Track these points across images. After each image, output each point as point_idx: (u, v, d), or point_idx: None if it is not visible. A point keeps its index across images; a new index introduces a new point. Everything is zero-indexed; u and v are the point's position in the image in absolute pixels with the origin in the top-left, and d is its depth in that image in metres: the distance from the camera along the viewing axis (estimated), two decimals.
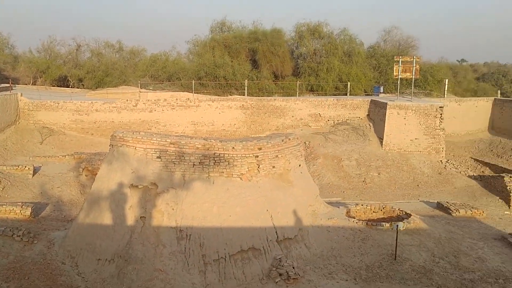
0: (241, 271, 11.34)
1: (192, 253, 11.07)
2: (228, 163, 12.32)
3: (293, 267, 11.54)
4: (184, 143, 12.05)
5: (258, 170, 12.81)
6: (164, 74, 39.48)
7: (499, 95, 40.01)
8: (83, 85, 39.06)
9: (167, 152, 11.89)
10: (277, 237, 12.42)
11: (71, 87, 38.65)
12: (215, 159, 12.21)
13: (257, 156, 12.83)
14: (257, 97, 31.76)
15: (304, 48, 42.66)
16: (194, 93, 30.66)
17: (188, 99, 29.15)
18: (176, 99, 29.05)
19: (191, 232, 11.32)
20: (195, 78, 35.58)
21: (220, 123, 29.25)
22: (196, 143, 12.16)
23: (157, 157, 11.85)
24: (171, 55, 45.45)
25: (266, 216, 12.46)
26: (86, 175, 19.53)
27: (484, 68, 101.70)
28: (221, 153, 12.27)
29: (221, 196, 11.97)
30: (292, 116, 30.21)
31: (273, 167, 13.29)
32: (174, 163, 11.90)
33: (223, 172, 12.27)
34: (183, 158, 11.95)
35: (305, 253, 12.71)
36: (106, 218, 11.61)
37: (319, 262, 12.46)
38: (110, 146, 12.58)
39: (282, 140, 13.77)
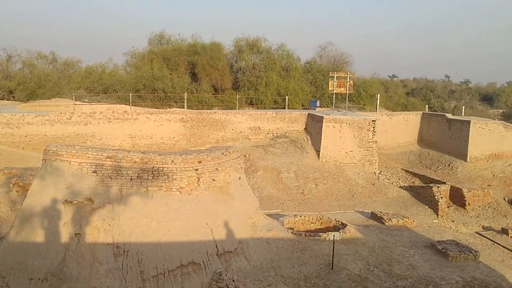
0: (181, 286, 11.19)
1: (130, 270, 10.80)
2: (167, 177, 12.18)
3: (233, 280, 11.54)
4: (122, 157, 11.80)
5: (198, 184, 12.77)
6: (100, 86, 38.46)
7: (427, 109, 42.39)
8: (13, 97, 37.22)
9: (104, 167, 11.58)
10: (217, 250, 12.39)
11: (0, 99, 36.69)
12: (153, 173, 12.04)
13: (197, 170, 12.79)
14: (197, 110, 31.66)
15: (243, 62, 43.17)
16: (132, 105, 30.07)
17: (126, 111, 28.54)
18: (113, 111, 28.34)
19: (128, 248, 11.04)
20: (133, 90, 34.93)
21: (159, 136, 28.84)
22: (134, 156, 11.94)
23: (93, 172, 11.51)
24: (108, 67, 44.44)
25: (206, 229, 12.41)
26: (17, 191, 18.53)
27: (413, 84, 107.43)
28: (160, 167, 12.12)
29: (160, 210, 11.80)
30: (232, 129, 30.37)
31: (213, 180, 13.30)
32: (111, 178, 11.60)
33: (162, 186, 12.11)
34: (120, 172, 11.68)
35: (245, 265, 12.77)
36: (39, 236, 11.08)
37: (259, 274, 12.56)
38: (43, 160, 12.05)
39: (222, 153, 13.83)
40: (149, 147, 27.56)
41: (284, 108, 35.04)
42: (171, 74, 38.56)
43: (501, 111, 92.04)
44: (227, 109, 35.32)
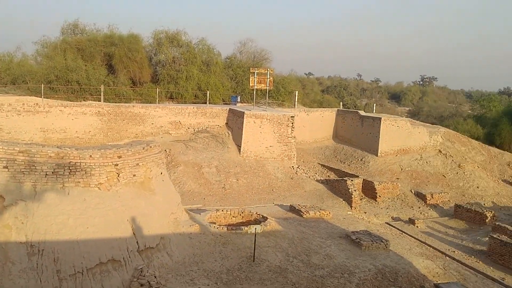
0: (100, 284, 10.88)
1: (46, 269, 10.31)
2: (85, 172, 11.75)
3: (155, 277, 11.42)
4: (35, 151, 11.19)
5: (118, 179, 12.45)
6: (7, 76, 35.79)
7: (341, 106, 44.33)
8: None
9: (16, 162, 10.92)
10: (138, 247, 12.18)
11: None
12: (70, 168, 11.56)
13: (117, 165, 12.46)
14: (114, 103, 30.58)
15: (163, 55, 42.29)
16: (44, 98, 28.38)
17: (37, 104, 26.90)
18: (23, 103, 26.58)
19: (43, 247, 10.53)
20: (45, 82, 32.93)
21: (74, 130, 27.54)
22: (48, 151, 11.37)
23: (4, 167, 10.81)
24: (16, 56, 41.43)
25: (126, 226, 12.15)
26: None
27: (328, 82, 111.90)
28: (77, 162, 11.66)
29: (77, 207, 11.36)
30: (152, 123, 29.76)
31: (134, 175, 13.03)
32: (24, 173, 10.97)
33: (79, 182, 11.66)
34: (34, 167, 11.09)
35: (167, 261, 12.67)
36: None
37: (181, 270, 12.53)
38: None
39: (143, 148, 13.57)
40: (63, 142, 26.22)
41: (205, 103, 34.93)
42: (86, 65, 36.80)
43: (407, 108, 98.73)
44: (146, 103, 34.51)
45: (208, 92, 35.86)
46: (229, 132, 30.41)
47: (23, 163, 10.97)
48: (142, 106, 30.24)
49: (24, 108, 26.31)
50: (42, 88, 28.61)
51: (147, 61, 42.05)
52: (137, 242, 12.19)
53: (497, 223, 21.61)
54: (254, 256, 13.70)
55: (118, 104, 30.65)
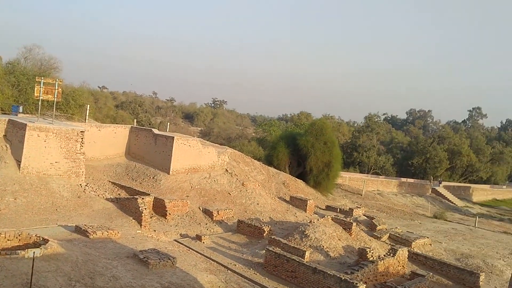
0: None
1: None
2: None
3: None
4: None
5: None
6: None
7: (135, 123, 44.11)
8: None
9: None
10: None
11: None
12: None
13: None
14: None
15: None
16: None
17: None
18: None
19: None
20: None
21: None
22: None
23: None
24: None
25: None
26: None
27: (123, 97, 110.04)
28: None
29: None
30: None
31: None
32: None
33: None
34: None
35: None
36: None
37: None
38: None
39: None
40: None
41: None
42: None
43: (200, 128, 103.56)
44: None
45: None
46: (8, 146, 27.30)
47: None
48: None
49: None
50: None
51: None
52: None
53: (272, 237, 24.34)
54: (31, 283, 12.62)
55: None
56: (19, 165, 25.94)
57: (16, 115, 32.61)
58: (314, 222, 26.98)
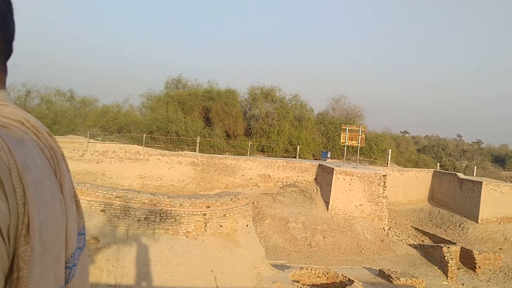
0: None
1: None
2: (175, 220, 12.11)
3: None
4: (131, 197, 11.80)
5: (205, 229, 12.65)
6: (114, 125, 39.02)
7: (438, 167, 42.12)
8: None
9: (112, 206, 11.57)
10: None
11: None
12: (161, 215, 11.98)
13: (205, 214, 12.71)
14: (208, 154, 31.78)
15: (257, 110, 43.73)
16: (145, 146, 30.32)
17: (138, 152, 28.75)
18: (126, 151, 28.55)
19: None
20: (147, 131, 35.36)
21: (169, 178, 28.86)
22: (143, 197, 11.93)
23: (101, 211, 11.49)
24: (124, 107, 45.22)
25: (210, 276, 12.17)
26: None
27: (425, 141, 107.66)
28: (168, 209, 12.07)
29: (164, 254, 11.64)
30: (242, 175, 30.32)
31: (221, 226, 13.17)
32: (119, 218, 11.56)
33: (168, 229, 12.01)
34: (128, 212, 11.65)
35: None
36: None
37: None
38: None
39: (231, 199, 13.76)
40: (158, 189, 27.52)
41: (295, 157, 35.06)
42: (185, 117, 39.10)
43: None
44: (238, 155, 35.42)
45: (298, 146, 36.05)
46: (318, 188, 30.01)
47: (119, 207, 11.59)
48: (233, 158, 31.04)
49: (126, 156, 28.17)
50: (144, 137, 30.61)
51: (242, 115, 43.67)
52: None
53: None
54: None
55: (212, 155, 31.78)
56: (327, 206, 28.02)
57: (325, 160, 35.73)
58: None
